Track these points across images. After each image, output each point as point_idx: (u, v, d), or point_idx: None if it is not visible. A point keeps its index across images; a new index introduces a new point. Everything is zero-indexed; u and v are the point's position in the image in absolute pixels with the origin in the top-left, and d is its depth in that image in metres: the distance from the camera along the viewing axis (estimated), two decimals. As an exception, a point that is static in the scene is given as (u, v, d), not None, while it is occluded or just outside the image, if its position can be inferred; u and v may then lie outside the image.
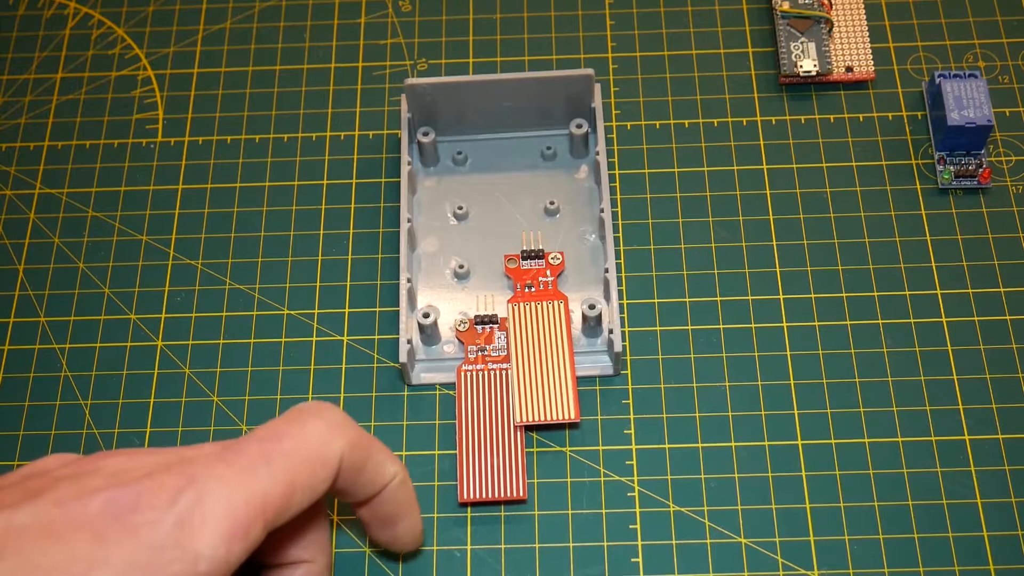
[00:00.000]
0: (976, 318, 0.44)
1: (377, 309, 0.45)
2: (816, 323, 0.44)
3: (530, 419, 0.41)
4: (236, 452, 0.31)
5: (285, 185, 0.48)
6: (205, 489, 0.29)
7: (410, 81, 0.46)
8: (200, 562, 0.29)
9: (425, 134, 0.47)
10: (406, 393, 0.43)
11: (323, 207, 0.48)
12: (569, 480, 0.42)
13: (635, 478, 0.41)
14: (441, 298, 0.45)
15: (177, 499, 0.29)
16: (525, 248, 0.45)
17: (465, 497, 0.40)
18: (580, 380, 0.43)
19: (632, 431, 0.42)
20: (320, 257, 0.47)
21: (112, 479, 0.30)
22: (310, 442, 0.32)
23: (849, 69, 0.49)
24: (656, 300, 0.45)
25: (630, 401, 0.43)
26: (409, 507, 0.37)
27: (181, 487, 0.29)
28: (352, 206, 0.48)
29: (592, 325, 0.43)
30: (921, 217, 0.46)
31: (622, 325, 0.44)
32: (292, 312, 0.45)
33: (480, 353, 0.43)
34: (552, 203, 0.46)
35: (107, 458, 0.31)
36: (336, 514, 0.41)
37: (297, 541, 0.35)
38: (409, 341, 0.43)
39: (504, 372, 0.43)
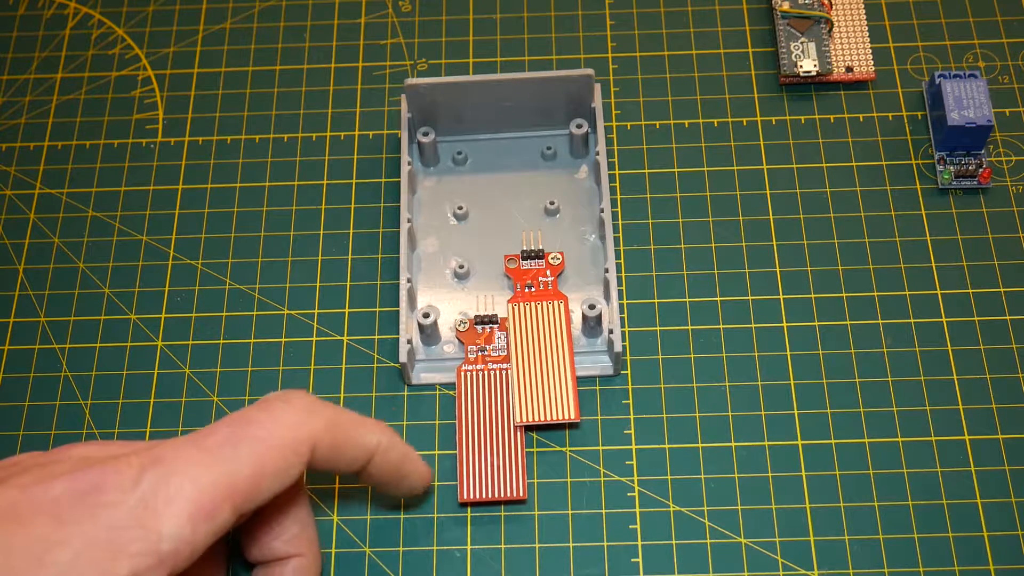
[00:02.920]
0: (976, 318, 0.44)
1: (377, 309, 0.45)
2: (816, 323, 0.44)
3: (530, 419, 0.41)
4: (204, 435, 0.31)
5: (285, 185, 0.48)
6: (172, 470, 0.30)
7: (410, 81, 0.46)
8: (163, 541, 0.29)
9: (425, 134, 0.47)
10: (406, 393, 0.43)
11: (323, 207, 0.48)
12: (569, 480, 0.42)
13: (635, 478, 0.41)
14: (441, 298, 0.45)
15: (141, 479, 0.29)
16: (525, 248, 0.45)
17: (465, 497, 0.40)
18: (580, 380, 0.43)
19: (632, 431, 0.42)
20: (320, 257, 0.47)
21: (77, 464, 0.30)
22: (278, 428, 0.32)
23: (849, 69, 0.49)
24: (656, 300, 0.45)
25: (630, 401, 0.43)
26: (404, 465, 0.37)
27: (145, 466, 0.30)
28: (352, 206, 0.48)
29: (592, 325, 0.43)
30: (921, 217, 0.46)
31: (622, 325, 0.44)
32: (292, 312, 0.45)
33: (480, 353, 0.43)
34: (552, 203, 0.46)
35: (75, 448, 0.32)
36: (336, 514, 0.41)
37: (285, 537, 0.35)
38: (409, 341, 0.43)
39: (504, 372, 0.43)
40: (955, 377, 0.43)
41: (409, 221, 0.45)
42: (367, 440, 0.35)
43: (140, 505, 0.29)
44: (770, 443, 0.42)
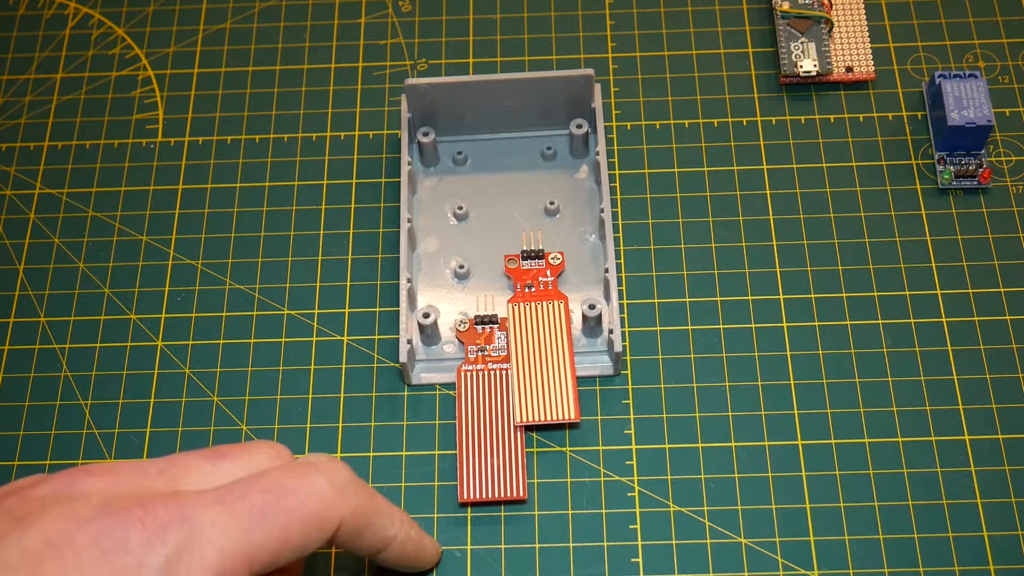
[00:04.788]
0: (976, 318, 0.44)
1: (377, 309, 0.45)
2: (816, 323, 0.44)
3: (530, 419, 0.41)
4: (235, 496, 0.30)
5: (285, 185, 0.48)
6: (198, 533, 0.29)
7: (410, 81, 0.46)
8: None
9: (425, 134, 0.47)
10: (406, 393, 0.43)
11: (323, 207, 0.48)
12: (569, 480, 0.42)
13: (635, 478, 0.41)
14: (441, 298, 0.45)
15: (166, 538, 0.29)
16: (525, 248, 0.45)
17: (465, 497, 0.40)
18: (580, 380, 0.43)
19: (632, 431, 0.42)
20: (320, 257, 0.47)
21: (102, 509, 0.29)
22: (311, 502, 0.31)
23: (849, 69, 0.49)
24: (656, 300, 0.45)
25: (630, 401, 0.43)
26: (418, 557, 0.37)
27: (172, 523, 0.29)
28: (352, 206, 0.48)
29: (592, 325, 0.43)
30: (921, 217, 0.46)
31: (622, 325, 0.44)
32: (292, 312, 0.45)
33: (480, 353, 0.43)
34: (552, 203, 0.46)
35: (89, 478, 0.30)
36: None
37: None
38: (409, 341, 0.43)
39: (504, 372, 0.43)
40: (955, 377, 0.43)
41: (409, 221, 0.45)
42: (386, 533, 0.35)
43: (163, 570, 0.28)
44: (770, 443, 0.42)
